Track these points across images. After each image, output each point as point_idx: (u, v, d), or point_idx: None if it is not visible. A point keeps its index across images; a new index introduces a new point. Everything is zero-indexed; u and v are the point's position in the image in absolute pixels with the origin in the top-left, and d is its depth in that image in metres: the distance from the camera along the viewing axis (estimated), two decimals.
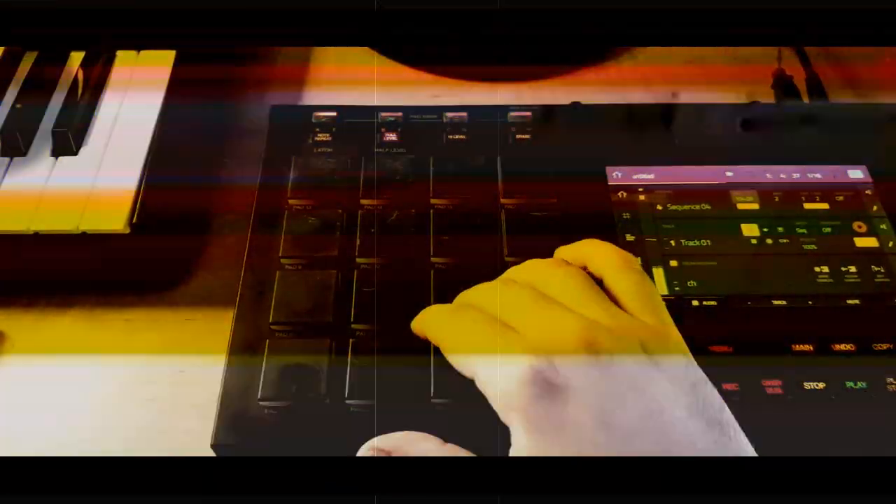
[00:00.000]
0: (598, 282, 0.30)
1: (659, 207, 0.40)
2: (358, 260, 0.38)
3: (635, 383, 0.25)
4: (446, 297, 0.32)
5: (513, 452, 0.25)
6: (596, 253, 0.31)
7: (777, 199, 0.40)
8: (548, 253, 0.33)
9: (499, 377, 0.26)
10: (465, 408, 0.33)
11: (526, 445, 0.25)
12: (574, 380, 0.25)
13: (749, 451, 0.26)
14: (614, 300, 0.29)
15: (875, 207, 0.40)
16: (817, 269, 0.38)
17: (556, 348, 0.26)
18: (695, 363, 0.28)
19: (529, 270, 0.31)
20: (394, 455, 0.28)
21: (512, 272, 0.32)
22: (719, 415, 0.26)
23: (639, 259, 0.30)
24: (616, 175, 0.41)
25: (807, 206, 0.40)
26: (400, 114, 0.44)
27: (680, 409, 0.25)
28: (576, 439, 0.24)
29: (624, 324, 0.27)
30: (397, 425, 0.30)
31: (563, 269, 0.30)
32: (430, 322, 0.31)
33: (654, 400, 0.25)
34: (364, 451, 0.28)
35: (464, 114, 0.44)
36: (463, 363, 0.28)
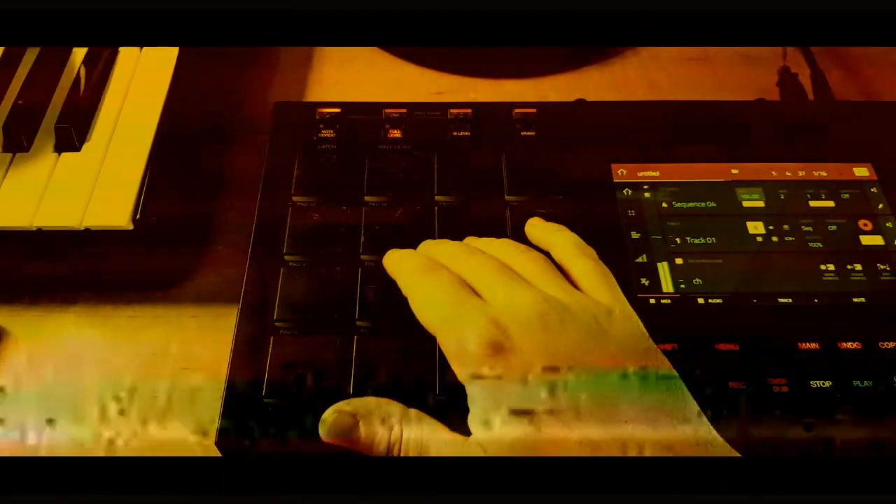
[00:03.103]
0: (559, 266, 0.33)
1: (664, 205, 0.40)
2: (362, 257, 0.37)
3: (582, 346, 0.28)
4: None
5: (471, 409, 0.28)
6: (558, 240, 0.34)
7: (782, 196, 0.40)
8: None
9: (458, 340, 0.28)
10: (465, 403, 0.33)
11: (479, 402, 0.28)
12: (524, 344, 0.28)
13: (691, 404, 0.28)
14: (573, 283, 0.32)
15: (881, 205, 0.40)
16: (823, 266, 0.38)
17: (513, 317, 0.28)
18: (647, 335, 0.30)
19: (497, 247, 0.34)
20: (358, 416, 0.29)
21: (478, 243, 0.35)
22: (668, 372, 0.29)
23: (593, 250, 0.34)
24: (621, 172, 0.41)
25: (812, 203, 0.40)
26: (404, 110, 0.44)
27: (625, 369, 0.28)
28: (520, 394, 0.27)
29: (578, 299, 0.30)
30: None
31: (527, 253, 0.33)
32: (403, 272, 0.33)
33: (600, 359, 0.28)
34: (329, 413, 0.30)
35: (468, 110, 0.44)
36: (427, 321, 0.30)
